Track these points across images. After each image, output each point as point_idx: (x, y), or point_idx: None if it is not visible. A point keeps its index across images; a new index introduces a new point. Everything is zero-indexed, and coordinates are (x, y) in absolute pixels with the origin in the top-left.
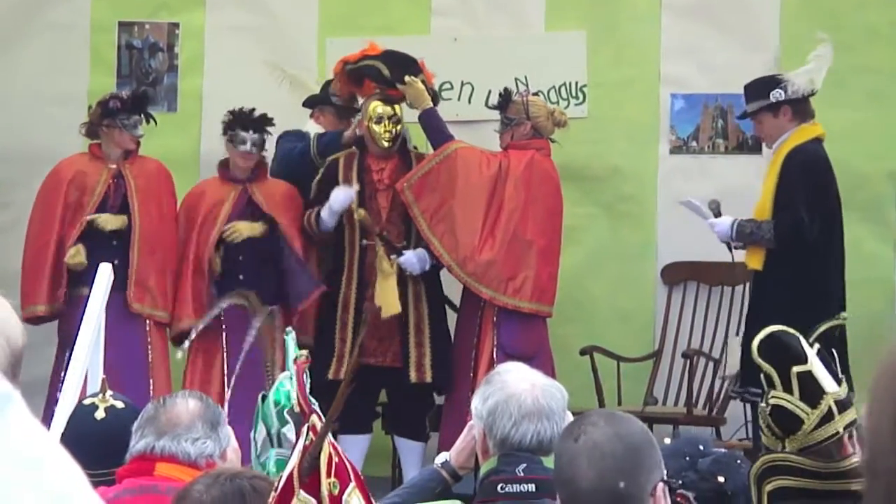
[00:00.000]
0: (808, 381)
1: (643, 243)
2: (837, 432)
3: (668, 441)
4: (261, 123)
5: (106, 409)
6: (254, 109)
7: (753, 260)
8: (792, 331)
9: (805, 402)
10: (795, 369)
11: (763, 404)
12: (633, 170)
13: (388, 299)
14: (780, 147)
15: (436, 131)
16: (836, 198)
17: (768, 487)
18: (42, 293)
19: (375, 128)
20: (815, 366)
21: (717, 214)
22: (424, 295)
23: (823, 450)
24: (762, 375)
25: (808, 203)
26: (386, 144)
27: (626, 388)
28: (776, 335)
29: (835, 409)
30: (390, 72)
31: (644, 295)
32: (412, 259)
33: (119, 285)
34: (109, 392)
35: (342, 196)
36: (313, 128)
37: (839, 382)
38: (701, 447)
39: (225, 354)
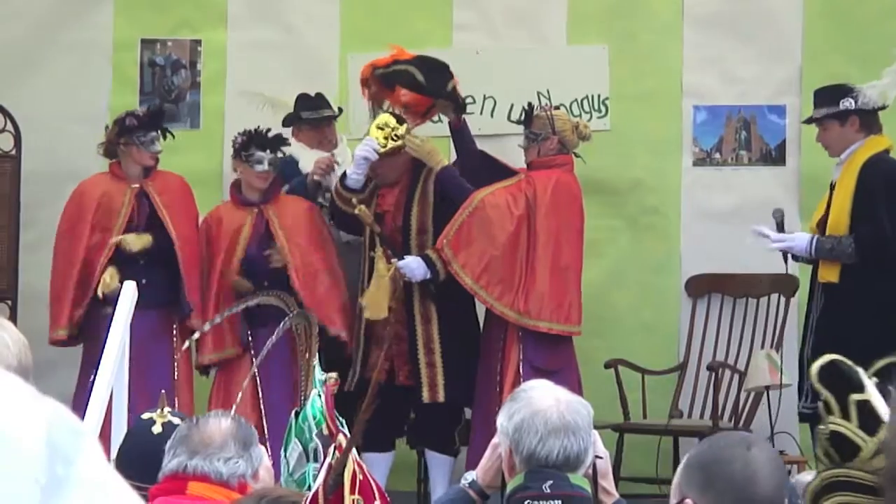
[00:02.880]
0: (867, 409)
1: (667, 256)
2: None
3: None
4: (276, 143)
5: (163, 425)
6: (269, 129)
7: (829, 272)
8: (850, 362)
9: (863, 430)
10: (854, 397)
11: (822, 427)
12: (656, 182)
13: (375, 300)
14: (850, 158)
15: (457, 188)
16: None
17: None
18: (63, 318)
19: (375, 132)
20: (874, 396)
21: (780, 223)
22: (435, 314)
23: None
24: (820, 402)
25: (892, 214)
26: (381, 150)
27: (651, 401)
28: (836, 362)
29: None
30: (425, 78)
31: (668, 307)
32: (412, 264)
33: (146, 304)
34: (168, 408)
35: (360, 147)
36: (296, 147)
37: None
38: None
39: (258, 379)
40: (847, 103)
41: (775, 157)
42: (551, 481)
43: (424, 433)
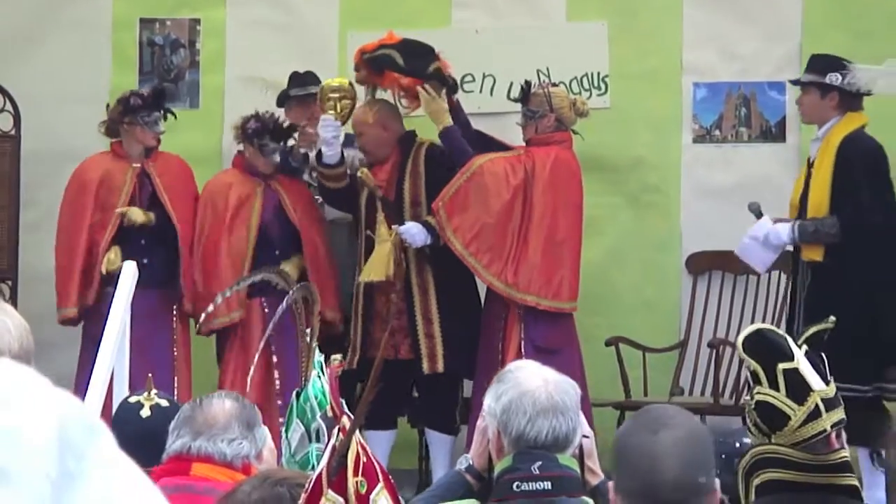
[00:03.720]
0: (795, 378)
1: (667, 233)
2: (825, 430)
3: None
4: (289, 133)
5: (151, 408)
6: (280, 119)
7: (813, 252)
8: (779, 330)
9: (791, 399)
10: (781, 366)
11: (748, 398)
12: (657, 160)
13: (375, 264)
14: (828, 135)
15: (458, 151)
16: (891, 186)
17: (756, 481)
18: (73, 296)
19: (326, 107)
20: (802, 363)
21: (758, 214)
22: (433, 286)
23: (810, 447)
24: (748, 372)
25: (873, 190)
26: (339, 120)
27: (652, 378)
28: (763, 332)
29: (822, 406)
30: (405, 60)
31: (669, 285)
32: (413, 229)
33: (146, 283)
34: (154, 390)
35: (321, 130)
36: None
37: (827, 383)
38: (737, 444)
39: (271, 348)
40: (833, 78)
41: (775, 133)
42: (540, 462)
43: (425, 412)
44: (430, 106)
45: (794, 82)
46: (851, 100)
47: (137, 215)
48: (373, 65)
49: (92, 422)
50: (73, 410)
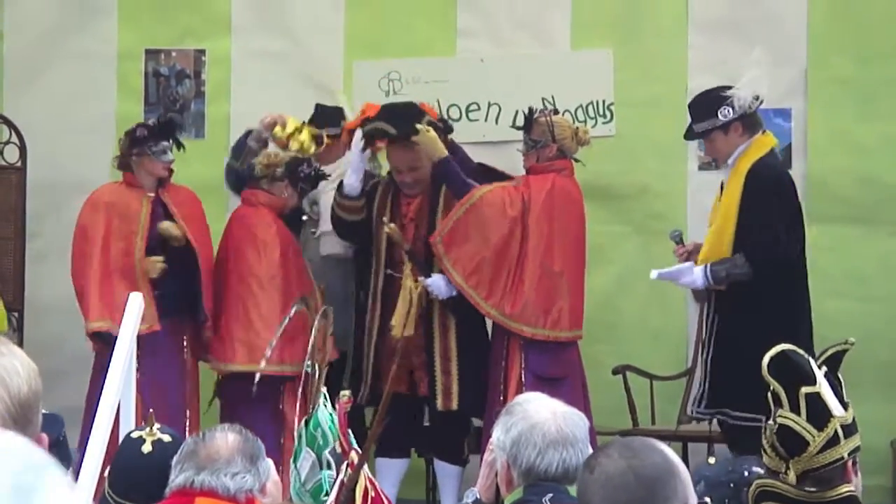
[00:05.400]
0: (816, 402)
1: (674, 261)
2: (842, 457)
3: (711, 461)
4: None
5: (153, 444)
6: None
7: None
8: (801, 351)
9: (812, 424)
10: (804, 390)
11: (770, 423)
12: (663, 187)
13: (407, 319)
14: (736, 163)
15: (454, 181)
16: (801, 214)
17: None
18: (102, 308)
19: (308, 145)
20: (824, 388)
21: (679, 243)
22: (453, 325)
23: (825, 475)
24: (769, 394)
25: (785, 221)
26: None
27: (660, 406)
28: (787, 353)
29: (841, 433)
30: (396, 128)
31: (675, 313)
32: (439, 282)
33: (159, 313)
34: (157, 425)
35: (355, 158)
36: None
37: (845, 407)
38: (746, 473)
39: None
40: (726, 112)
41: (781, 160)
42: (551, 494)
43: (433, 442)
44: (421, 138)
45: (693, 137)
46: (753, 120)
47: (174, 228)
48: (369, 140)
49: (39, 461)
50: (17, 457)
